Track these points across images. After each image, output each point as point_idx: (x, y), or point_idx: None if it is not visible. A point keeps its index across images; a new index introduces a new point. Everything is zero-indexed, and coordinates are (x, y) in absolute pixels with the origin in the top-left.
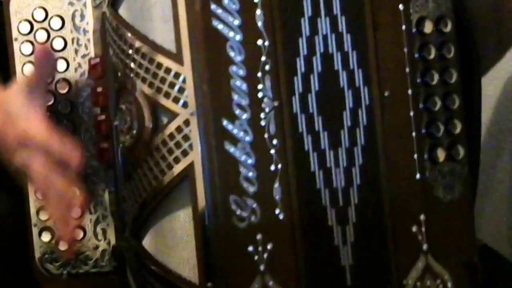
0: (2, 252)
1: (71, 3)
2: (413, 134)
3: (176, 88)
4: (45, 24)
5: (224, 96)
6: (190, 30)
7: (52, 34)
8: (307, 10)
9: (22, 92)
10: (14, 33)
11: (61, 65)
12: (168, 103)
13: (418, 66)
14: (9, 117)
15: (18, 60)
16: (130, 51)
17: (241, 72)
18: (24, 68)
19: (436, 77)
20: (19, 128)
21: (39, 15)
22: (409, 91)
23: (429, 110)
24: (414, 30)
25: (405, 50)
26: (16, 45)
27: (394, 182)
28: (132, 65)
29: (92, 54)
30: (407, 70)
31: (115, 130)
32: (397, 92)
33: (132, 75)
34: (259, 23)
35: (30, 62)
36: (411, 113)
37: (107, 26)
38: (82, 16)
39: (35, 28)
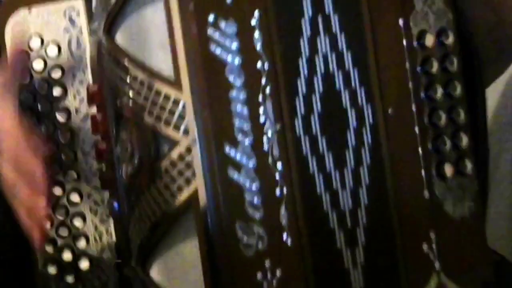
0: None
1: (66, 30)
2: (420, 150)
3: (176, 115)
4: (42, 52)
5: (225, 121)
6: (188, 56)
7: (49, 62)
8: (306, 30)
9: None
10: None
11: (59, 92)
12: (168, 131)
13: (421, 81)
14: None
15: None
16: (128, 79)
17: (242, 97)
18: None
19: (440, 90)
20: None
21: (35, 43)
22: (413, 107)
23: (434, 125)
24: (415, 44)
25: (407, 65)
26: None
27: (402, 200)
28: (130, 93)
29: (90, 81)
30: (410, 85)
31: (117, 159)
32: (401, 108)
33: (130, 103)
34: (258, 46)
35: (27, 91)
36: (416, 129)
37: (104, 53)
38: (79, 43)
39: (31, 56)
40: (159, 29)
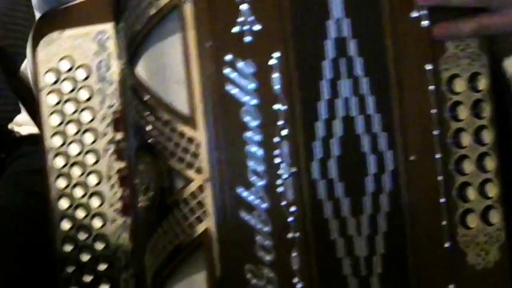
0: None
1: (96, 53)
2: (441, 200)
3: (190, 153)
4: (71, 74)
5: (239, 162)
6: (203, 94)
7: (78, 84)
8: (327, 72)
9: None
10: (41, 83)
11: (86, 116)
12: (182, 168)
13: (449, 127)
14: None
15: (45, 111)
16: (145, 112)
17: (257, 138)
18: (50, 119)
19: (469, 138)
20: None
21: (65, 65)
22: (437, 155)
23: (461, 173)
24: (444, 88)
25: (433, 111)
26: (42, 95)
27: (421, 250)
28: (148, 126)
29: (118, 105)
30: (435, 132)
31: (135, 188)
32: (424, 155)
33: (147, 136)
34: (276, 87)
35: (55, 112)
36: (439, 178)
37: (126, 82)
38: (108, 67)
39: (61, 78)
40: (176, 65)
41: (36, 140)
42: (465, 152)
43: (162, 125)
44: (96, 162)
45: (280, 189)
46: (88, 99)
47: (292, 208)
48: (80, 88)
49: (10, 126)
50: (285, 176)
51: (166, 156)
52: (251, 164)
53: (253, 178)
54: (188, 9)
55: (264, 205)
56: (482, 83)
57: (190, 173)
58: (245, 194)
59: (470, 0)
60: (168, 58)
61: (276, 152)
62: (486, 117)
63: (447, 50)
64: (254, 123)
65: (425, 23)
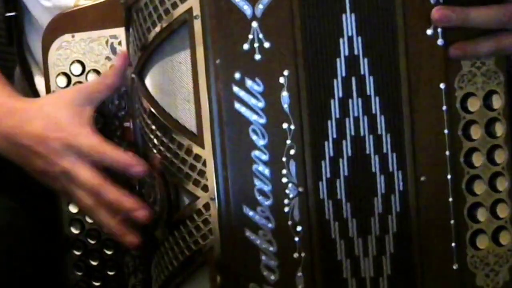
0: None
1: (108, 58)
2: (452, 221)
3: (196, 170)
4: (82, 78)
5: (246, 181)
6: (211, 112)
7: None
8: (338, 91)
9: (75, 100)
10: (52, 86)
11: (96, 121)
12: (188, 185)
13: (461, 146)
14: (52, 121)
15: None
16: (153, 126)
17: (264, 157)
18: None
19: (482, 158)
20: (64, 133)
21: (77, 69)
22: (449, 176)
23: (472, 193)
24: (458, 106)
25: (446, 131)
26: None
27: (429, 271)
28: (155, 140)
29: (126, 113)
30: (447, 153)
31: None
32: (435, 176)
33: (154, 150)
34: (285, 106)
35: None
36: (450, 199)
37: (134, 93)
38: None
39: (72, 82)
40: (184, 81)
41: None
42: (477, 172)
43: (169, 141)
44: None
45: (286, 209)
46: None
47: (298, 228)
48: None
49: None
50: (292, 195)
51: (173, 171)
52: (258, 183)
53: (259, 198)
54: (198, 25)
55: (270, 225)
56: (498, 102)
57: (196, 190)
58: (251, 213)
59: (489, 21)
60: (176, 73)
61: (284, 171)
62: (500, 136)
63: (462, 68)
64: (262, 142)
65: (440, 41)
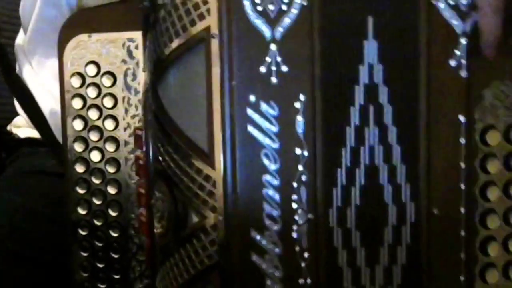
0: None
1: (124, 61)
2: (462, 255)
3: (206, 191)
4: (97, 80)
5: (255, 205)
6: (223, 134)
7: (103, 90)
8: (355, 118)
9: None
10: (66, 86)
11: (110, 124)
12: (197, 204)
13: (478, 180)
14: None
15: (69, 112)
16: (165, 142)
17: (275, 182)
18: (74, 122)
19: (498, 192)
20: None
21: (91, 70)
22: (462, 209)
23: (485, 227)
24: (477, 139)
25: (462, 164)
26: (67, 97)
27: None
28: (166, 156)
29: (141, 115)
30: (462, 186)
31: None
32: (447, 209)
33: (164, 164)
34: (299, 131)
35: (79, 116)
36: (462, 233)
37: (148, 102)
38: (134, 75)
39: (86, 83)
40: (199, 99)
41: (35, 143)
42: (492, 206)
43: (180, 158)
44: (117, 171)
45: (294, 235)
46: (113, 107)
47: (306, 254)
48: (105, 95)
49: (8, 127)
50: (301, 222)
51: (182, 188)
52: (267, 207)
53: (267, 222)
54: (215, 44)
55: (277, 250)
56: None
57: (205, 210)
58: (258, 237)
59: None
60: (191, 91)
61: (294, 197)
62: None
63: (484, 99)
64: (273, 167)
65: (463, 73)
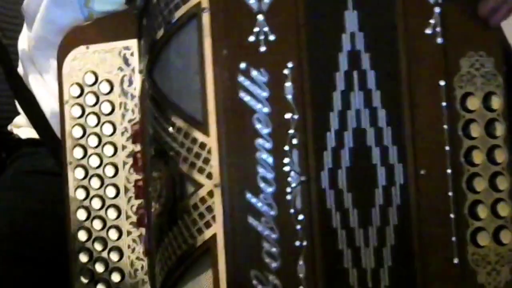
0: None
1: (120, 68)
2: (452, 215)
3: (201, 158)
4: (95, 88)
5: (249, 169)
6: (217, 101)
7: (101, 98)
8: (340, 84)
9: None
10: (66, 96)
11: (108, 129)
12: (193, 173)
13: (462, 145)
14: None
15: (68, 122)
16: (161, 118)
17: (268, 145)
18: (73, 131)
19: (482, 156)
20: None
21: (90, 79)
22: (448, 170)
23: (473, 191)
24: (457, 106)
25: (445, 127)
26: (66, 108)
27: (429, 265)
28: (162, 133)
29: (138, 119)
30: (447, 148)
31: (149, 196)
32: (435, 170)
33: (161, 142)
34: (289, 96)
35: (79, 125)
36: (450, 193)
37: (145, 92)
38: (131, 81)
39: (85, 92)
40: (189, 72)
41: (35, 144)
42: (477, 170)
43: (176, 131)
44: (115, 175)
45: (288, 197)
46: (110, 113)
47: (300, 217)
48: (103, 102)
49: (9, 127)
50: (294, 184)
51: (178, 161)
52: (261, 170)
53: (262, 185)
54: (206, 18)
55: (272, 212)
56: (497, 103)
57: (201, 178)
58: (253, 200)
59: None
60: (184, 65)
61: (286, 160)
62: (499, 136)
63: (461, 68)
64: (265, 131)
65: (439, 40)
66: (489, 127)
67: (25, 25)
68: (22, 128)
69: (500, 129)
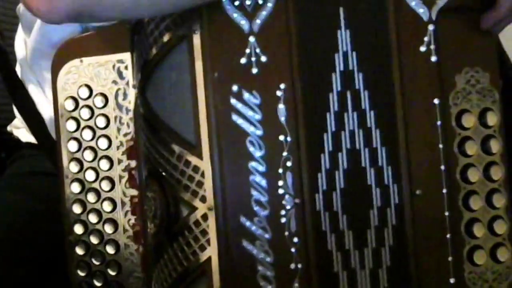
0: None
1: (115, 82)
2: (448, 236)
3: (195, 181)
4: (89, 102)
5: (243, 192)
6: (209, 124)
7: (96, 111)
8: (333, 105)
9: None
10: (60, 110)
11: (103, 143)
12: (187, 196)
13: (457, 162)
14: None
15: (63, 136)
16: (154, 139)
17: (261, 168)
18: (68, 145)
19: (478, 174)
20: None
21: (84, 92)
22: (444, 190)
23: (469, 209)
24: (453, 124)
25: (440, 146)
26: (61, 122)
27: (425, 285)
28: (156, 154)
29: (133, 133)
30: (442, 167)
31: (144, 214)
32: (430, 190)
33: (155, 163)
34: (282, 118)
35: (74, 138)
36: (446, 213)
37: (137, 111)
38: (125, 95)
39: (80, 105)
40: (183, 95)
41: (35, 146)
42: (473, 188)
43: (169, 154)
44: (111, 189)
45: (283, 220)
46: (105, 127)
47: (295, 239)
48: (97, 116)
49: (9, 128)
50: (288, 207)
51: (172, 184)
52: (254, 193)
53: (256, 208)
54: (197, 39)
55: (267, 235)
56: (493, 119)
57: (195, 201)
58: (248, 223)
59: None
60: (176, 87)
61: (280, 183)
62: (496, 153)
63: (456, 85)
64: (258, 154)
65: (434, 58)
66: (485, 144)
67: (20, 27)
68: (22, 129)
69: (496, 146)
